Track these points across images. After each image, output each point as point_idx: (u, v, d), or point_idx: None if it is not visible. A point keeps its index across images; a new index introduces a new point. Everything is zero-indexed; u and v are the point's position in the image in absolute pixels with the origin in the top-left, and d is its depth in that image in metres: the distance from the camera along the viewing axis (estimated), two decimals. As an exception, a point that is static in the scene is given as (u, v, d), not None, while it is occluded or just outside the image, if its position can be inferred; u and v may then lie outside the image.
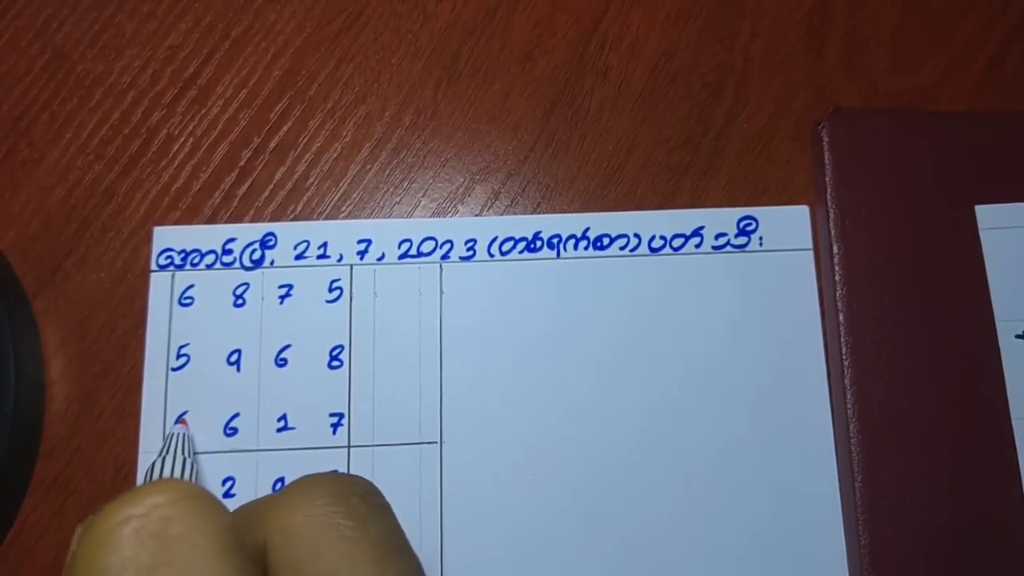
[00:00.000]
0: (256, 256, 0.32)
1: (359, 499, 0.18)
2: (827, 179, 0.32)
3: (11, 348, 0.29)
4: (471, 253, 0.32)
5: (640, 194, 0.33)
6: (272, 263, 0.31)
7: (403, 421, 0.30)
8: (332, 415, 0.30)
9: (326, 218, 0.32)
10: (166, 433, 0.29)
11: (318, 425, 0.30)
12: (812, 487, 0.30)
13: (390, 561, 0.17)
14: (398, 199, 0.33)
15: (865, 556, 0.28)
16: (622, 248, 0.32)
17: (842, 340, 0.30)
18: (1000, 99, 0.34)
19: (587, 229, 0.32)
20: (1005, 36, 0.34)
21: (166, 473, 0.27)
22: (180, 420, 0.30)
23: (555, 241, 0.32)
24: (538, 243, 0.32)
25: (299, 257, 0.32)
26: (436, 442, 0.30)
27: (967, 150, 0.32)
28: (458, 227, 0.32)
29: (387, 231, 0.32)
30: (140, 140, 0.33)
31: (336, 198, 0.33)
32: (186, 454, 0.29)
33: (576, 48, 0.34)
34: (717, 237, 0.32)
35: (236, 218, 0.32)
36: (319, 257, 0.32)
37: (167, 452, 0.28)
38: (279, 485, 0.29)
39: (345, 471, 0.30)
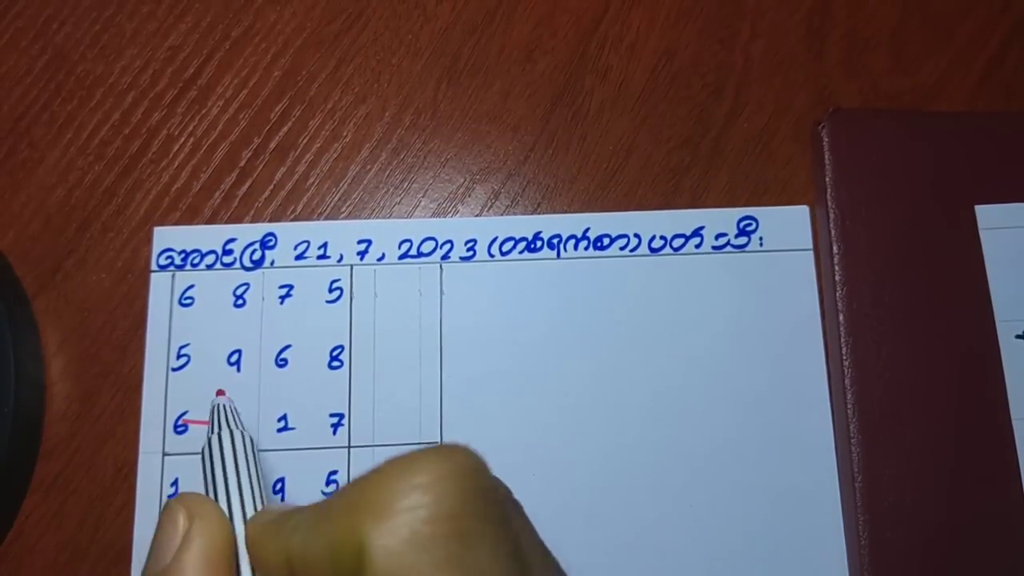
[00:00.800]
0: (256, 256, 0.32)
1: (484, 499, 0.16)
2: (827, 179, 0.32)
3: (11, 348, 0.29)
4: (471, 253, 0.32)
5: (640, 194, 0.33)
6: (272, 263, 0.31)
7: (403, 421, 0.30)
8: (332, 415, 0.30)
9: (326, 218, 0.32)
10: (211, 405, 0.27)
11: (318, 425, 0.30)
12: (812, 487, 0.30)
13: None
14: (398, 199, 0.33)
15: (865, 556, 0.28)
16: (622, 248, 0.32)
17: (842, 340, 0.30)
18: (1000, 99, 0.34)
19: (587, 229, 0.32)
20: (1005, 36, 0.34)
21: (226, 450, 0.24)
22: (218, 392, 0.29)
23: (555, 241, 0.32)
24: (538, 243, 0.32)
25: (299, 257, 0.32)
26: (436, 442, 0.30)
27: (967, 150, 0.32)
28: (458, 227, 0.32)
29: (387, 231, 0.32)
30: (140, 140, 0.33)
31: (336, 198, 0.33)
32: (237, 426, 0.26)
33: (576, 48, 0.34)
34: (717, 237, 0.32)
35: (236, 218, 0.32)
36: (319, 257, 0.32)
37: (219, 427, 0.26)
38: (279, 486, 0.29)
39: (346, 472, 0.30)
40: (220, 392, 0.29)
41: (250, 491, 0.22)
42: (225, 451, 0.24)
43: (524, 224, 0.32)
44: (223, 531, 0.18)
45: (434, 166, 0.33)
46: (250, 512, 0.21)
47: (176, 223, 0.32)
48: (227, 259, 0.31)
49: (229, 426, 0.25)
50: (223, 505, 0.21)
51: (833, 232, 0.31)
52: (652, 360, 0.31)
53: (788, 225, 0.32)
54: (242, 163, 0.33)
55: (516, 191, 0.33)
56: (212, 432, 0.25)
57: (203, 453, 0.25)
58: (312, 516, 0.16)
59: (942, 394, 0.30)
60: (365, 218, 0.32)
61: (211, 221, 0.32)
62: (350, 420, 0.30)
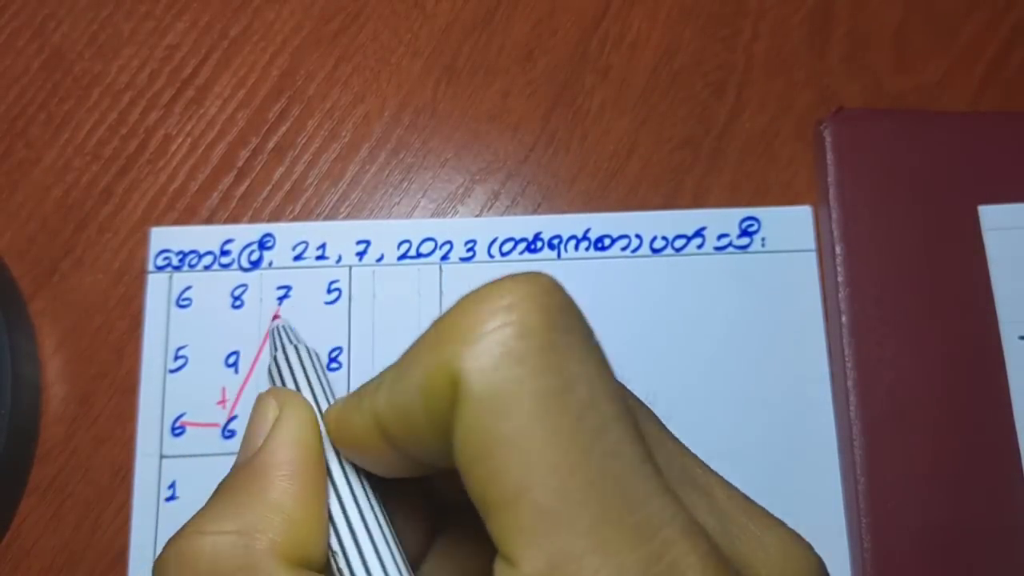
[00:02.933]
0: (254, 257, 0.31)
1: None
2: (830, 179, 0.31)
3: (8, 350, 0.29)
4: (471, 254, 0.32)
5: (642, 194, 0.32)
6: (270, 264, 0.31)
7: (402, 423, 0.30)
8: (331, 417, 0.30)
9: (325, 219, 0.32)
10: (269, 328, 0.25)
11: (317, 427, 0.30)
12: (814, 490, 0.30)
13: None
14: (397, 200, 0.33)
15: (868, 559, 0.28)
16: (623, 249, 0.32)
17: (845, 342, 0.30)
18: (1004, 99, 0.33)
19: (588, 230, 0.32)
20: (1009, 35, 0.34)
21: (293, 364, 0.22)
22: (274, 316, 0.28)
23: (556, 242, 0.32)
24: (538, 244, 0.32)
25: (297, 258, 0.31)
26: None
27: (971, 150, 0.32)
28: (458, 228, 0.32)
29: (386, 232, 0.32)
30: (137, 140, 0.33)
31: (335, 199, 0.32)
32: (300, 341, 0.24)
33: (577, 47, 0.34)
34: (719, 238, 0.32)
35: (234, 219, 0.32)
36: (318, 258, 0.31)
37: (282, 346, 0.24)
38: (277, 488, 0.29)
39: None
40: (276, 316, 0.28)
41: (325, 400, 0.20)
42: (293, 365, 0.22)
43: (524, 225, 0.32)
44: (311, 417, 0.18)
45: (433, 166, 0.33)
46: None
47: (173, 223, 0.32)
48: (225, 260, 0.31)
49: (293, 341, 0.24)
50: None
51: (836, 233, 0.31)
52: (653, 361, 0.31)
53: (790, 226, 0.32)
54: (240, 163, 0.33)
55: (516, 191, 0.33)
56: (275, 350, 0.24)
57: (270, 372, 0.23)
58: (394, 369, 0.15)
59: (945, 396, 0.29)
60: (364, 218, 0.32)
61: (209, 221, 0.32)
62: (349, 422, 0.30)
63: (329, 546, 0.16)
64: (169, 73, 0.34)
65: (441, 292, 0.31)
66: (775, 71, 0.34)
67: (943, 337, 0.30)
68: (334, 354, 0.30)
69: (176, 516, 0.29)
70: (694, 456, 0.17)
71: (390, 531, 0.16)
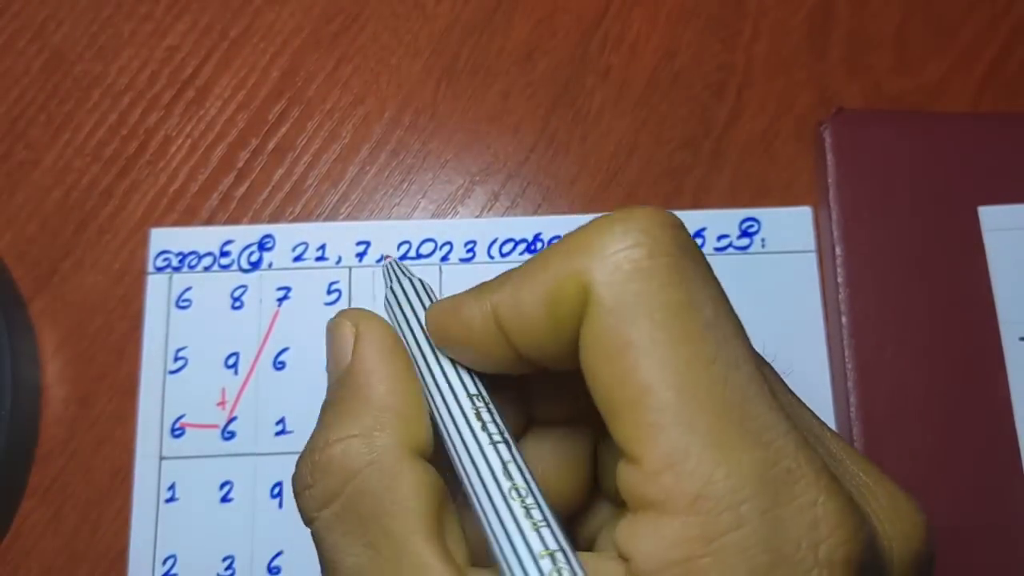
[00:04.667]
0: (254, 258, 0.31)
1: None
2: (830, 180, 0.31)
3: (8, 351, 0.29)
4: (471, 255, 0.31)
5: (642, 195, 0.32)
6: (270, 265, 0.31)
7: (402, 424, 0.30)
8: (331, 418, 0.30)
9: (325, 220, 0.32)
10: (382, 268, 0.26)
11: (317, 428, 0.30)
12: (815, 491, 0.30)
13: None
14: (397, 200, 0.33)
15: (868, 561, 0.28)
16: (623, 250, 0.32)
17: (845, 343, 0.30)
18: (1004, 99, 0.33)
19: (588, 231, 0.32)
20: (1008, 36, 0.34)
21: (408, 293, 0.23)
22: (386, 256, 0.29)
23: (555, 243, 0.32)
24: (538, 245, 0.32)
25: (297, 259, 0.31)
26: None
27: (970, 151, 0.32)
28: (458, 229, 0.32)
29: (386, 233, 0.32)
30: (137, 141, 0.33)
31: (335, 199, 0.32)
32: (410, 275, 0.24)
33: (577, 48, 0.34)
34: (719, 239, 0.32)
35: (234, 220, 0.32)
36: (317, 259, 0.31)
37: (391, 281, 0.24)
38: (277, 489, 0.29)
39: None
40: (387, 257, 0.28)
41: None
42: (408, 294, 0.23)
43: (524, 225, 0.32)
44: (387, 325, 0.19)
45: (433, 167, 0.33)
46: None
47: (173, 224, 0.32)
48: (224, 261, 0.31)
49: (406, 274, 0.24)
50: (421, 338, 0.21)
51: (835, 233, 0.31)
52: (653, 362, 0.31)
53: (790, 226, 0.32)
54: (240, 164, 0.33)
55: (516, 192, 0.33)
56: (389, 284, 0.24)
57: (387, 303, 0.23)
58: (518, 272, 0.17)
59: (945, 396, 0.29)
60: (364, 219, 0.32)
61: (208, 222, 0.32)
62: (349, 423, 0.30)
63: (439, 433, 0.17)
64: (169, 74, 0.34)
65: (441, 293, 0.31)
66: (775, 71, 0.34)
67: (943, 337, 0.30)
68: (334, 355, 0.30)
69: (176, 517, 0.29)
70: (809, 409, 0.17)
71: (498, 417, 0.17)
